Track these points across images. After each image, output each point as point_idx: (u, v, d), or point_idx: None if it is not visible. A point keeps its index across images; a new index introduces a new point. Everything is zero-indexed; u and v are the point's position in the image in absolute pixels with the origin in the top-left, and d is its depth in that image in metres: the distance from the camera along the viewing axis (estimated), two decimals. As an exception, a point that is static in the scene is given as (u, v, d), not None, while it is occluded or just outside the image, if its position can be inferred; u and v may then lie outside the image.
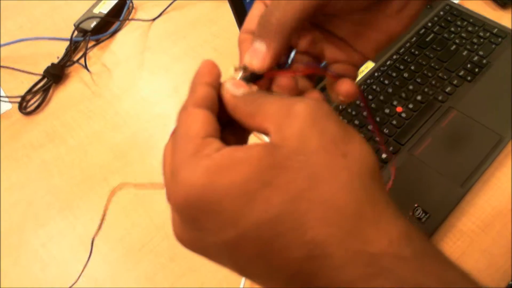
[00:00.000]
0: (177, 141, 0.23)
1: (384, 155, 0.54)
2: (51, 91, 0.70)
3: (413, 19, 0.28)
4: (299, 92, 0.28)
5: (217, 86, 0.25)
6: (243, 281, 0.48)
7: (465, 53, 0.63)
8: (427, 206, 0.50)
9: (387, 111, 0.58)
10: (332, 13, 0.27)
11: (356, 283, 0.19)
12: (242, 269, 0.22)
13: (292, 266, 0.20)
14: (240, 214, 0.20)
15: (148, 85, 0.69)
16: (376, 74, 0.62)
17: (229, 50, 0.71)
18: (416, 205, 0.50)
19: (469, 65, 0.61)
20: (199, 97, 0.24)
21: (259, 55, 0.25)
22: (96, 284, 0.50)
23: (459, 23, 0.66)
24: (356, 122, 0.57)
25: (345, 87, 0.28)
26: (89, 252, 0.46)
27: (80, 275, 0.47)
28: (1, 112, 0.68)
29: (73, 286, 0.50)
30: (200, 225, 0.21)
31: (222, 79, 0.26)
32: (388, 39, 0.29)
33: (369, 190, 0.21)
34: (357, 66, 0.30)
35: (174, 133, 0.24)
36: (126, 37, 0.76)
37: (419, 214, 0.49)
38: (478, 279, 0.21)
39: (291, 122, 0.21)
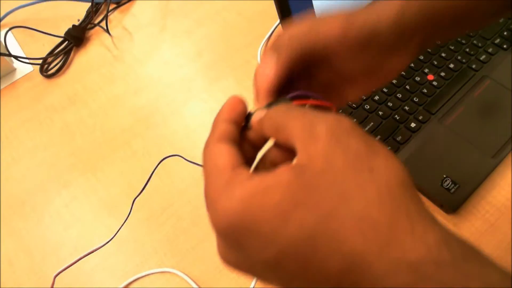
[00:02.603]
0: (208, 176, 0.24)
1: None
2: (72, 54, 0.70)
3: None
4: None
5: (240, 121, 0.27)
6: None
7: (501, 20, 0.60)
8: (456, 177, 0.48)
9: (417, 79, 0.56)
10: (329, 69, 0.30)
11: None
12: (287, 284, 0.23)
13: (333, 278, 0.20)
14: (277, 233, 0.21)
15: (171, 49, 0.68)
16: (406, 41, 0.59)
17: (253, 14, 0.69)
18: (445, 175, 0.48)
19: (505, 33, 0.58)
20: (220, 132, 0.26)
21: (269, 64, 0.28)
22: (119, 243, 0.51)
23: (495, -11, 0.63)
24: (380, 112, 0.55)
25: None
26: (129, 211, 0.46)
27: (117, 233, 0.47)
28: (23, 74, 0.68)
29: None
30: (243, 247, 0.22)
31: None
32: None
33: (400, 201, 0.21)
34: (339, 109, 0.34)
35: (203, 171, 0.25)
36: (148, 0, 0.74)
37: (448, 185, 0.48)
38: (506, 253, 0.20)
39: (315, 142, 0.22)
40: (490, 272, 0.19)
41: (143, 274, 0.48)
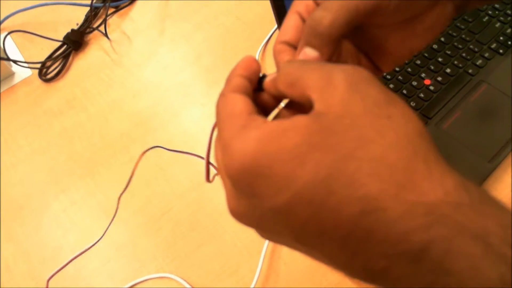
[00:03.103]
0: (223, 122, 0.24)
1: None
2: (71, 58, 0.70)
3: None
4: None
5: (254, 80, 0.26)
6: (263, 252, 0.48)
7: (497, 25, 0.60)
8: (453, 181, 0.48)
9: (414, 83, 0.56)
10: (375, 22, 0.28)
11: (415, 232, 0.19)
12: (297, 235, 0.22)
13: (347, 224, 0.20)
14: (293, 177, 0.20)
15: (169, 53, 0.68)
16: (403, 45, 0.60)
17: (252, 18, 0.69)
18: (442, 180, 0.48)
19: (501, 38, 0.59)
20: (236, 84, 0.25)
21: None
22: (117, 248, 0.51)
23: (492, -7, 0.63)
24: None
25: None
26: (115, 210, 0.46)
27: (104, 233, 0.47)
28: (22, 78, 0.68)
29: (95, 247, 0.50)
30: (255, 192, 0.22)
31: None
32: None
33: (418, 147, 0.21)
34: None
35: (217, 120, 0.25)
36: (146, 4, 0.75)
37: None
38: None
39: (333, 90, 0.22)
40: (506, 214, 0.19)
41: (142, 279, 0.49)
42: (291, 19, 0.29)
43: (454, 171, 0.21)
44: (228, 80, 0.26)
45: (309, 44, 0.26)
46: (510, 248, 0.18)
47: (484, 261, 0.18)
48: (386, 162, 0.20)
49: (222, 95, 0.25)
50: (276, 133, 0.21)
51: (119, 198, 0.45)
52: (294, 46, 0.29)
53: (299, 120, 0.22)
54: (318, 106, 0.22)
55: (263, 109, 0.27)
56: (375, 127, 0.21)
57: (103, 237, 0.51)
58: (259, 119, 0.23)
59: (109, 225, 0.46)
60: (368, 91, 0.22)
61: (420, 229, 0.19)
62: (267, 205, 0.21)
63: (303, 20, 0.29)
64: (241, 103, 0.24)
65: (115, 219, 0.53)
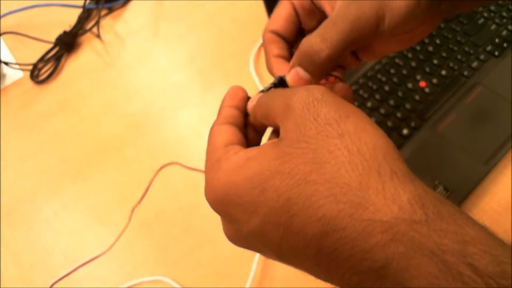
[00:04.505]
0: (206, 155, 0.26)
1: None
2: (63, 60, 0.69)
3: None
4: None
5: (242, 107, 0.29)
6: (257, 255, 0.47)
7: (493, 27, 0.60)
8: (448, 183, 0.48)
9: (409, 85, 0.56)
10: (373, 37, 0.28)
11: (375, 250, 0.19)
12: (277, 254, 0.23)
13: (313, 244, 0.21)
14: (258, 203, 0.22)
15: (163, 55, 0.67)
16: (398, 47, 0.60)
17: (247, 20, 0.69)
18: (437, 182, 0.48)
19: (497, 40, 0.59)
20: (223, 116, 0.28)
21: (304, 83, 0.28)
22: (110, 252, 0.50)
23: (486, -4, 0.63)
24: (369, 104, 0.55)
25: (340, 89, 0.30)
26: (128, 219, 0.46)
27: (115, 241, 0.46)
28: (13, 80, 0.67)
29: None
30: (232, 217, 0.24)
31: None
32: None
33: (371, 162, 0.21)
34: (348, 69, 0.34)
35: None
36: (140, 5, 0.74)
37: (439, 191, 0.48)
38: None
39: (290, 115, 0.23)
40: (465, 229, 0.19)
41: (135, 282, 0.48)
42: (284, 7, 0.30)
43: (412, 182, 0.21)
44: (218, 112, 0.28)
45: (303, 67, 0.27)
46: (466, 266, 0.18)
47: (440, 280, 0.18)
48: (340, 182, 0.21)
49: (211, 128, 0.27)
50: (241, 163, 0.23)
51: (132, 210, 0.45)
52: (283, 37, 0.30)
53: (263, 148, 0.24)
54: (281, 132, 0.24)
55: (257, 131, 0.29)
56: (328, 148, 0.22)
57: (96, 240, 0.51)
58: (232, 150, 0.25)
59: (122, 233, 0.46)
60: (319, 111, 0.23)
61: (379, 247, 0.19)
62: (244, 229, 0.23)
63: (295, 10, 0.30)
64: (222, 136, 0.26)
65: (108, 222, 0.52)
